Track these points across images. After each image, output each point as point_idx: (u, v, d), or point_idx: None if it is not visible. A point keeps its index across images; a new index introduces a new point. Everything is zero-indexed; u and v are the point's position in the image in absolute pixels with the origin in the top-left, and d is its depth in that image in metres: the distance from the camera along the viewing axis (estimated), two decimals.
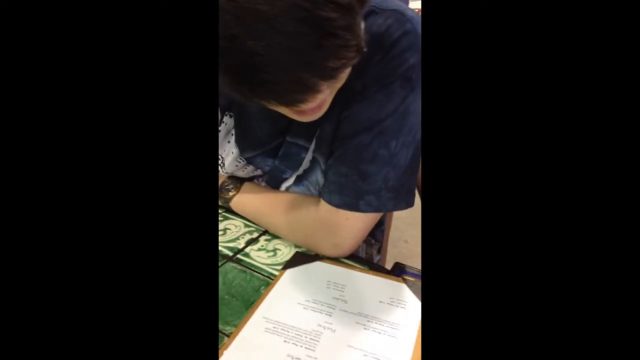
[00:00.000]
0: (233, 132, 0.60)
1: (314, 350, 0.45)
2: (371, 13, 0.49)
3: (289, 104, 0.37)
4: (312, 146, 0.56)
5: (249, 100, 0.37)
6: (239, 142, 0.60)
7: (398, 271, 0.57)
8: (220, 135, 0.60)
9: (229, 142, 0.61)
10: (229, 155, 0.61)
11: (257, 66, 0.32)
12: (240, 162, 0.62)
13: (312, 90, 0.35)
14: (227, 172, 0.64)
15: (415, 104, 0.49)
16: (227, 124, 0.60)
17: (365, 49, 0.37)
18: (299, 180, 0.60)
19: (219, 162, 0.63)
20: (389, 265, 0.59)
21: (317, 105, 0.39)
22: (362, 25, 0.37)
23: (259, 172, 0.63)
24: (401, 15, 0.49)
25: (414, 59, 0.48)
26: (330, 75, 0.35)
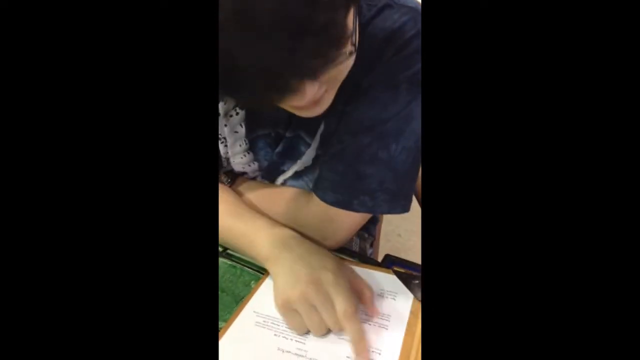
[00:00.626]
0: (232, 113, 0.56)
1: (304, 343, 0.45)
2: (387, 7, 0.48)
3: (266, 104, 0.36)
4: (317, 143, 0.55)
5: (229, 101, 0.35)
6: (247, 120, 0.57)
7: (388, 263, 0.57)
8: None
9: (225, 125, 0.57)
10: (230, 137, 0.58)
11: (230, 66, 0.31)
12: (243, 144, 0.59)
13: (291, 90, 0.34)
14: (227, 154, 0.61)
15: (419, 108, 0.48)
16: (225, 103, 0.56)
17: (357, 45, 0.35)
18: (298, 176, 0.59)
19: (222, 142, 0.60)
20: (380, 258, 0.60)
21: (310, 102, 0.38)
22: (354, 19, 0.35)
23: (255, 165, 0.62)
24: (418, 14, 0.47)
25: None
26: (311, 75, 0.34)
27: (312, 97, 0.37)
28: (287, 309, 0.46)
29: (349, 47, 0.34)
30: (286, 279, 0.47)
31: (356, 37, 0.35)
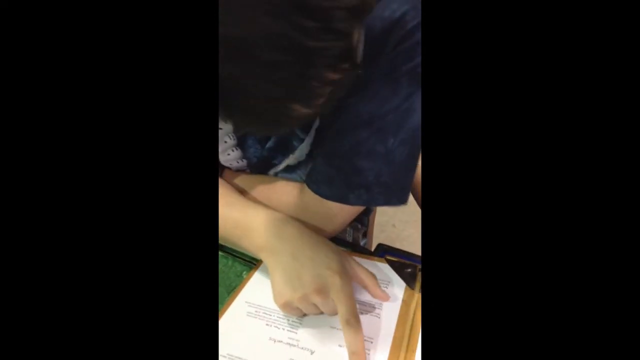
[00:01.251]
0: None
1: (296, 333, 0.45)
2: None
3: (266, 130, 0.35)
4: (311, 138, 0.54)
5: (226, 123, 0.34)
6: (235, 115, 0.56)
7: (381, 252, 0.57)
8: None
9: None
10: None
11: (232, 93, 0.30)
12: (229, 140, 0.58)
13: (295, 118, 0.33)
14: None
15: (420, 101, 0.47)
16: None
17: (360, 69, 0.34)
18: (290, 169, 0.58)
19: None
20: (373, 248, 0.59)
21: None
22: (361, 37, 0.34)
23: (244, 162, 0.61)
24: (418, 3, 0.45)
25: None
26: (316, 105, 0.33)
27: None
28: (289, 308, 0.46)
29: (353, 71, 0.33)
30: (287, 279, 0.46)
31: (361, 56, 0.34)
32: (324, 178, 0.51)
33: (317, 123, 0.53)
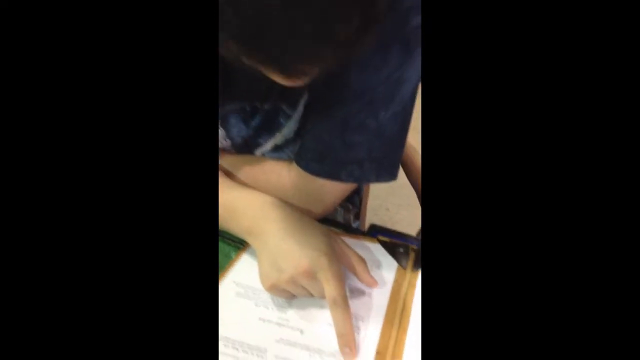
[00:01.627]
0: None
1: (285, 313, 0.44)
2: None
3: (289, 73, 0.34)
4: (299, 114, 0.52)
5: (243, 62, 0.33)
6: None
7: (373, 232, 0.56)
8: None
9: None
10: None
11: (264, 28, 0.29)
12: None
13: (321, 62, 0.33)
14: None
15: (411, 70, 0.46)
16: None
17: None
18: (279, 149, 0.57)
19: None
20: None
21: None
22: None
23: (228, 142, 0.59)
24: None
25: (416, 20, 0.44)
26: (344, 50, 0.32)
27: None
28: (277, 290, 0.45)
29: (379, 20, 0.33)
30: (273, 261, 0.45)
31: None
32: (314, 154, 0.50)
33: (305, 97, 0.51)
